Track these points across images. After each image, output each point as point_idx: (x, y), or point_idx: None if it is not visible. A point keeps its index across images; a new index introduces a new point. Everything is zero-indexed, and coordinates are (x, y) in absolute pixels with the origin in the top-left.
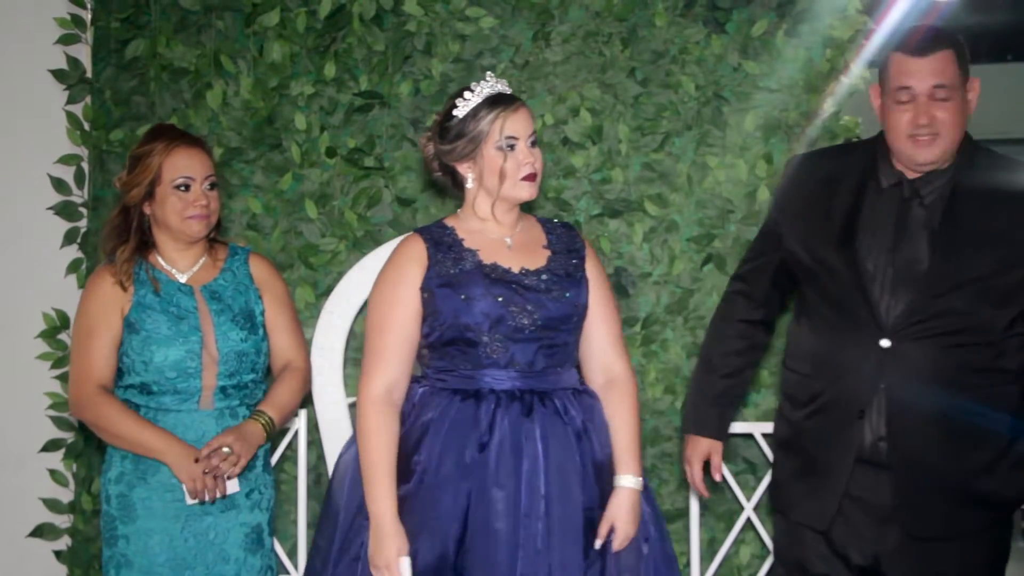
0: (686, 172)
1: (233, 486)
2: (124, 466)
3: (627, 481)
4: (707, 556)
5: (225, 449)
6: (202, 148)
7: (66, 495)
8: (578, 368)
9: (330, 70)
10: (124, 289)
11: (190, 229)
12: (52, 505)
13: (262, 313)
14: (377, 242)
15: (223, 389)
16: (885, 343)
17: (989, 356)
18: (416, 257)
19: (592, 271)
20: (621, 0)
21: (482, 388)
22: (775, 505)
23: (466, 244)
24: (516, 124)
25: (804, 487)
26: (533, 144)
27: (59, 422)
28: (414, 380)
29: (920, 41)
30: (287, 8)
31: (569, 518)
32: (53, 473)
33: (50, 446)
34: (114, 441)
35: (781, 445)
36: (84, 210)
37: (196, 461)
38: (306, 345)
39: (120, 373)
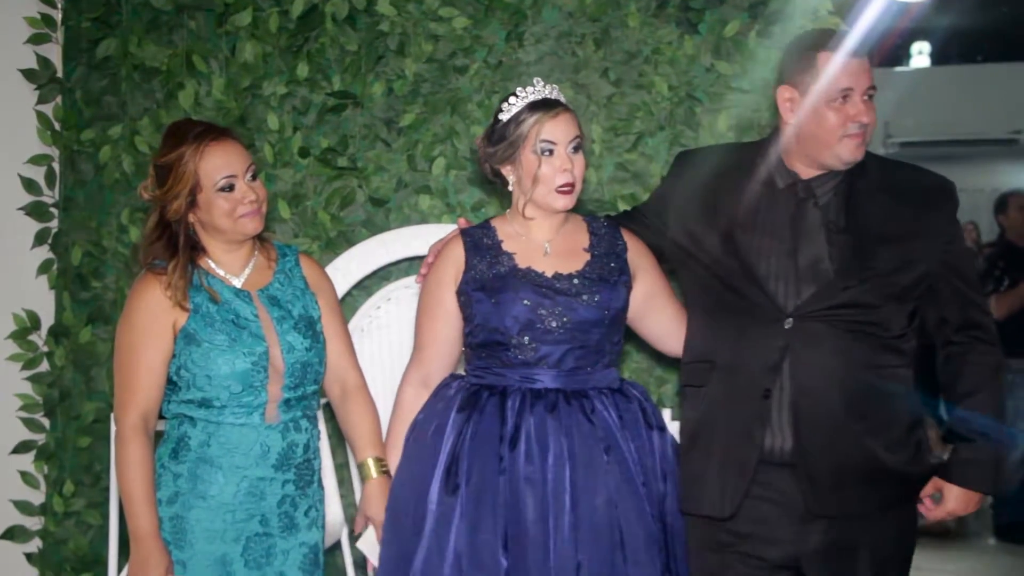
0: (659, 173)
1: None
2: (179, 485)
3: None
4: None
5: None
6: (233, 138)
7: (37, 497)
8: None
9: (303, 70)
10: (181, 307)
11: (244, 229)
12: (23, 507)
13: (319, 319)
14: (350, 242)
15: (287, 401)
16: (788, 323)
17: (890, 339)
18: (453, 260)
19: (641, 261)
20: (594, 1)
21: (510, 386)
22: (685, 509)
23: (504, 246)
24: (555, 129)
25: (713, 477)
26: (576, 150)
27: (30, 424)
28: (455, 377)
29: (859, 43)
30: (259, 8)
31: (596, 512)
32: (24, 475)
33: (21, 448)
34: (119, 484)
35: (690, 440)
36: (55, 210)
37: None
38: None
39: (176, 387)
